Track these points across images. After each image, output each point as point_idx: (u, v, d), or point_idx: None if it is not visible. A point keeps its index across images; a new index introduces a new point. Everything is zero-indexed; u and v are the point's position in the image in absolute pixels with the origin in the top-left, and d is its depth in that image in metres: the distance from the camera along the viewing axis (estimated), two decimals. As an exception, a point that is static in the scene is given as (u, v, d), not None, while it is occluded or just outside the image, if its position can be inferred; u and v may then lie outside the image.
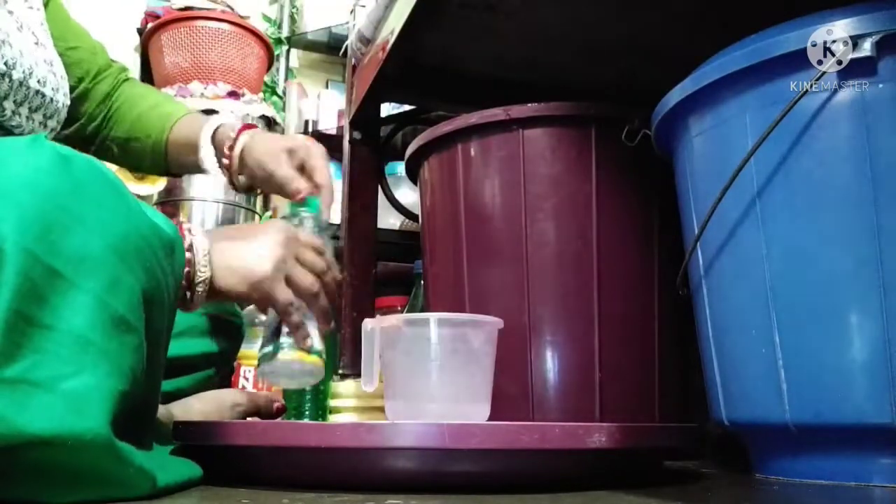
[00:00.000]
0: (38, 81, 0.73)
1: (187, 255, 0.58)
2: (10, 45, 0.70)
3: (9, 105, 0.71)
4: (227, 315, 0.94)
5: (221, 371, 0.98)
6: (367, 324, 0.68)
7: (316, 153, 0.81)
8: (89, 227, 0.44)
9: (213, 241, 0.62)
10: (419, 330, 0.66)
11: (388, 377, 0.68)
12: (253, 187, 0.87)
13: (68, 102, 0.81)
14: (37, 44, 0.75)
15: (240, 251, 0.64)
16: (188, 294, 0.60)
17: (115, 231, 0.46)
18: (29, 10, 0.77)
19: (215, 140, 0.86)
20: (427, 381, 0.65)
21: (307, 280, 0.68)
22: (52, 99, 0.76)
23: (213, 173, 0.87)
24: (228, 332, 0.95)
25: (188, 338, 0.89)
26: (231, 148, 0.84)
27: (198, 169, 0.88)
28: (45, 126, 0.77)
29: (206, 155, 0.86)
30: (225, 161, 0.85)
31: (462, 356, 0.66)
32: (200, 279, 0.60)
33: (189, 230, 0.60)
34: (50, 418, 0.41)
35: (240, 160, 0.84)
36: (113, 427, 0.43)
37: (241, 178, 0.85)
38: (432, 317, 0.67)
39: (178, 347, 0.86)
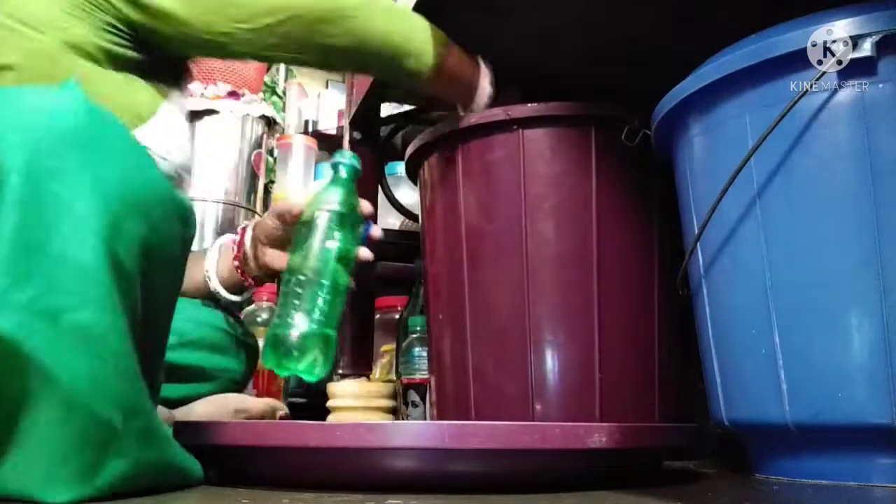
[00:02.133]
0: None
1: None
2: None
3: None
4: (241, 336, 0.95)
5: (225, 388, 0.98)
6: None
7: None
8: (100, 170, 0.46)
9: None
10: None
11: None
12: (268, 267, 0.87)
13: None
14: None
15: None
16: None
17: (124, 178, 0.47)
18: None
19: (219, 249, 0.90)
20: None
21: None
22: None
23: (212, 279, 0.89)
24: (242, 354, 0.96)
25: (197, 349, 0.89)
26: (243, 230, 0.88)
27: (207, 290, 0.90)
28: None
29: (210, 265, 0.89)
30: (234, 247, 0.87)
31: None
32: None
33: None
34: (53, 349, 0.42)
35: (252, 242, 0.86)
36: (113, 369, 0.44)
37: (260, 258, 0.86)
38: None
39: (185, 356, 0.87)
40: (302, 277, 0.71)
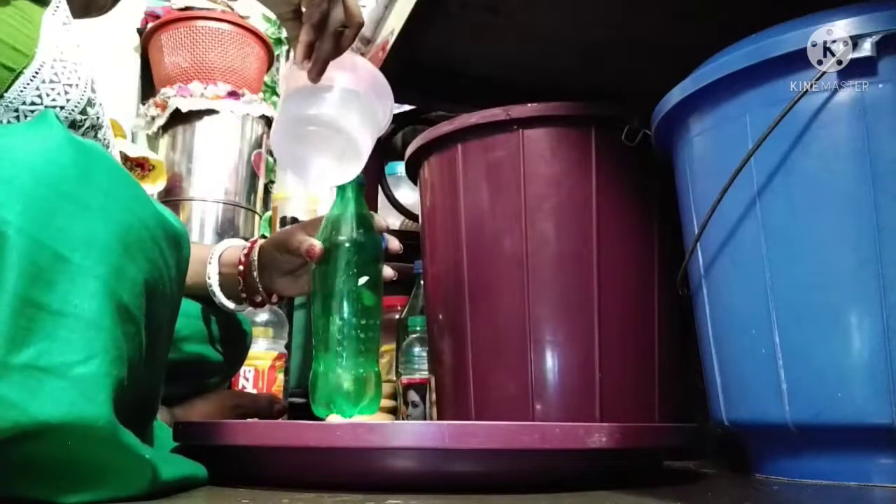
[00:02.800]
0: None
1: None
2: (105, 114, 0.71)
3: None
4: (234, 322, 0.94)
5: (225, 379, 0.98)
6: None
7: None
8: (95, 213, 0.44)
9: None
10: None
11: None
12: (271, 292, 0.83)
13: None
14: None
15: None
16: None
17: (119, 219, 0.46)
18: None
19: (223, 257, 0.84)
20: None
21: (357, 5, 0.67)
22: None
23: (217, 294, 0.84)
24: (235, 340, 0.95)
25: (192, 344, 0.89)
26: (247, 254, 0.82)
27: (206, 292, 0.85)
28: None
29: (212, 272, 0.84)
30: (241, 268, 0.82)
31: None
32: None
33: None
34: (61, 404, 0.41)
35: (259, 263, 0.82)
36: (115, 415, 0.43)
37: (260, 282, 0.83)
38: None
39: (181, 353, 0.86)
40: (339, 321, 0.69)
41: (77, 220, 0.43)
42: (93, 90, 0.68)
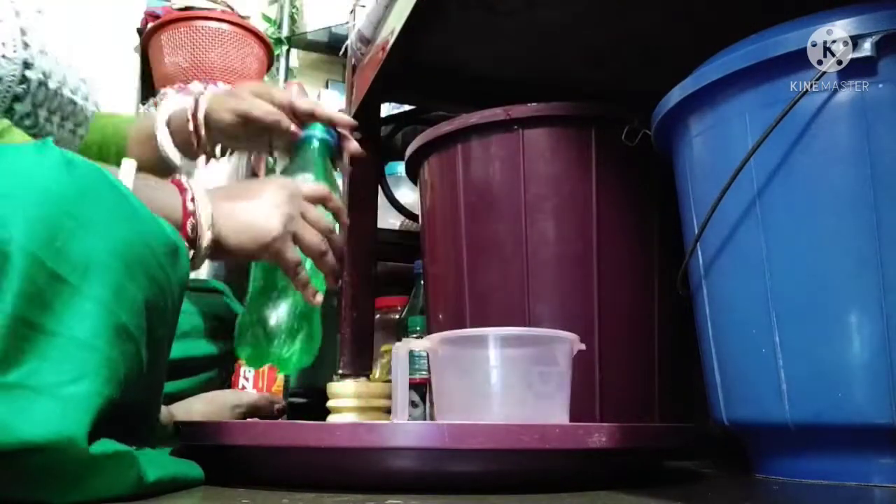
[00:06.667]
0: (71, 90, 0.73)
1: (189, 206, 0.58)
2: (47, 53, 0.69)
3: (42, 113, 0.70)
4: (230, 315, 0.94)
5: (224, 372, 0.98)
6: (398, 348, 0.63)
7: (283, 92, 0.77)
8: (95, 233, 0.44)
9: (216, 201, 0.61)
10: (476, 352, 0.61)
11: (443, 400, 0.64)
12: (223, 150, 0.82)
13: (96, 110, 0.80)
14: (69, 51, 0.75)
15: (246, 211, 0.63)
16: (191, 253, 0.59)
17: (120, 238, 0.46)
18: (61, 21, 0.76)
19: (172, 120, 0.82)
20: (487, 402, 0.61)
21: (315, 239, 0.67)
22: (82, 107, 0.75)
23: (173, 157, 0.81)
24: (232, 333, 0.95)
25: (192, 339, 0.89)
26: (194, 115, 0.80)
27: (163, 165, 0.82)
28: (75, 134, 0.76)
29: (163, 137, 0.81)
30: (189, 128, 0.80)
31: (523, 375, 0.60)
32: (204, 240, 0.60)
33: (189, 186, 0.60)
34: (49, 423, 0.40)
35: (206, 124, 0.79)
36: (95, 431, 0.43)
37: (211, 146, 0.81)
38: (491, 334, 0.61)
39: (182, 349, 0.86)
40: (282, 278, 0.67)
41: (78, 239, 0.44)
42: (26, 45, 0.66)
